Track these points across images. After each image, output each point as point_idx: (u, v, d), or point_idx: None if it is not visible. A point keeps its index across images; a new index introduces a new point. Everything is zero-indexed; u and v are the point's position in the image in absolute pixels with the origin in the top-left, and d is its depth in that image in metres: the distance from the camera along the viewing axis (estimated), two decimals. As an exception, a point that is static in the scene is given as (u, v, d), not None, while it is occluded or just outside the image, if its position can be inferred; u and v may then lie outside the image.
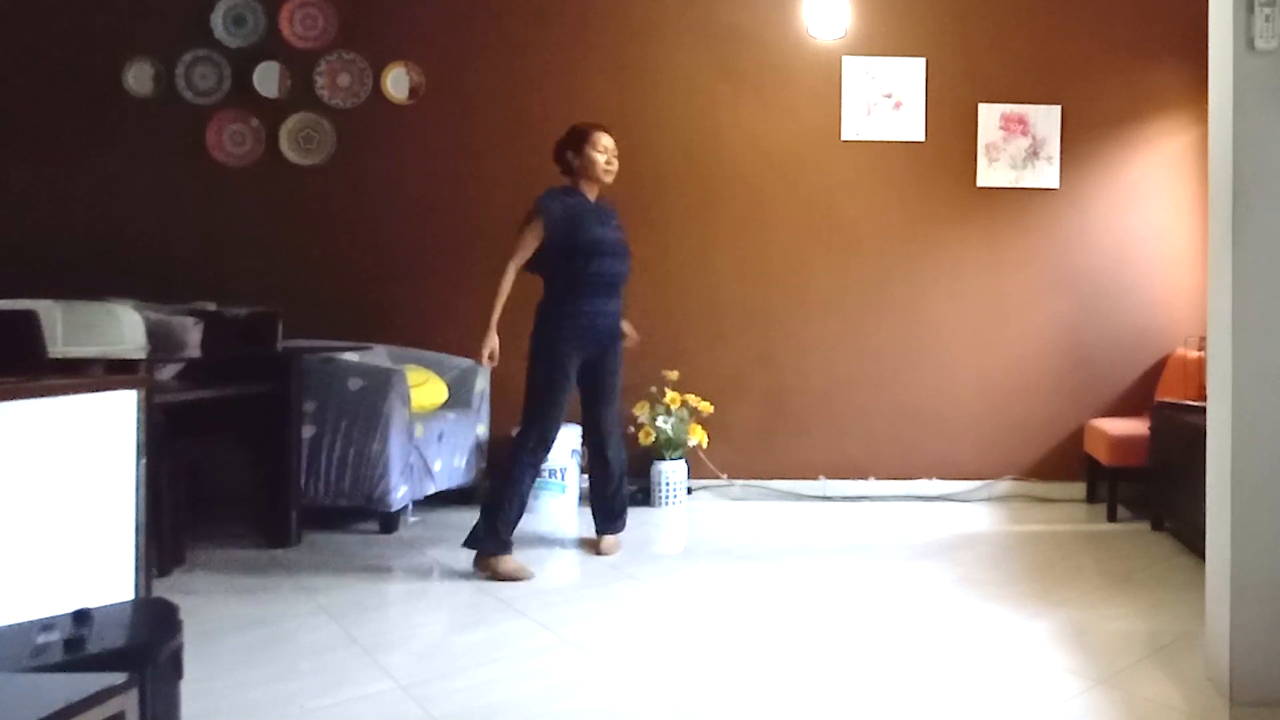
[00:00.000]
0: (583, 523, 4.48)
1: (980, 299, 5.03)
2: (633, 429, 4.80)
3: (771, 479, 5.00)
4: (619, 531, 3.96)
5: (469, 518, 4.47)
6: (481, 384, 4.86)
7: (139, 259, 4.88)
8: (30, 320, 2.77)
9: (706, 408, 4.83)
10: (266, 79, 5.00)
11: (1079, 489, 4.96)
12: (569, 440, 4.66)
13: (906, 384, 5.02)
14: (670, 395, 4.78)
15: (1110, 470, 4.53)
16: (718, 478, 5.01)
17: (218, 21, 5.00)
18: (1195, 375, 4.32)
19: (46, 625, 1.65)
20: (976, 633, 2.98)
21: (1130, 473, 4.45)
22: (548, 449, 3.68)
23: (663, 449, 4.77)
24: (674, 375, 4.84)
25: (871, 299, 5.03)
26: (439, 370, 4.77)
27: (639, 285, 4.99)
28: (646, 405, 4.80)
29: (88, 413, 2.09)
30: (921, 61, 5.00)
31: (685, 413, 4.79)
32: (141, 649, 1.61)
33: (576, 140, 3.79)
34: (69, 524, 2.03)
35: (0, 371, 2.28)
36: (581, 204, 3.77)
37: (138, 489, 2.17)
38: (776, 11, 5.01)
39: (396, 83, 5.03)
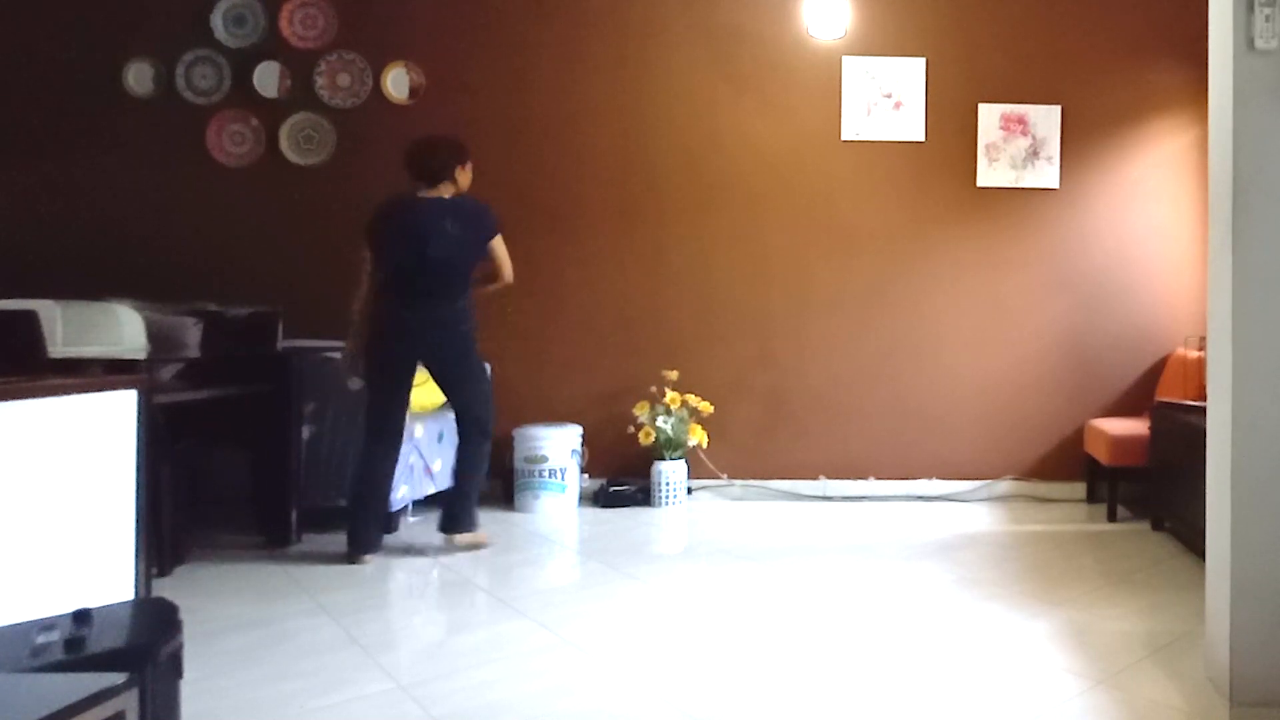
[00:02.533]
0: (582, 522, 4.48)
1: (980, 299, 5.02)
2: (632, 429, 4.81)
3: (771, 479, 5.00)
4: (455, 530, 3.93)
5: (469, 518, 4.49)
6: (481, 384, 4.86)
7: (139, 259, 4.88)
8: (30, 320, 2.77)
9: (706, 408, 4.83)
10: (266, 79, 5.00)
11: (1079, 489, 4.96)
12: (569, 440, 4.67)
13: (906, 384, 5.02)
14: (670, 395, 4.78)
15: (1110, 470, 4.52)
16: (718, 478, 5.01)
17: (218, 21, 5.00)
18: (1195, 375, 4.32)
19: (46, 625, 1.65)
20: (976, 633, 2.98)
21: (1130, 473, 4.45)
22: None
23: (663, 449, 4.77)
24: (674, 375, 4.84)
25: (871, 299, 5.03)
26: (439, 370, 4.76)
27: (640, 285, 5.03)
28: (646, 405, 4.80)
29: (88, 413, 2.09)
30: (921, 61, 5.00)
31: (685, 413, 4.79)
32: (141, 649, 1.61)
33: (465, 158, 3.91)
34: (69, 524, 2.03)
35: (0, 371, 2.28)
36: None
37: (138, 489, 2.17)
38: (776, 11, 5.01)
39: (396, 83, 5.03)
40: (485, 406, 3.92)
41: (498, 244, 3.84)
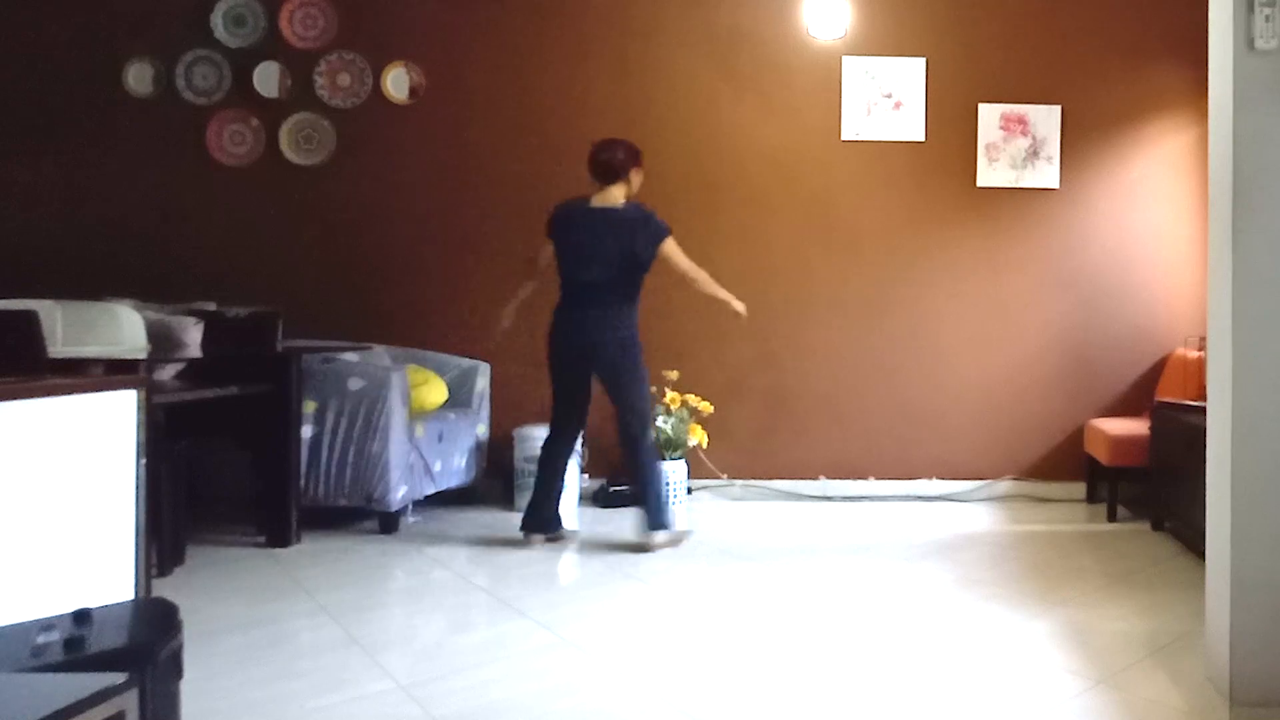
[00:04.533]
0: (583, 521, 4.48)
1: (980, 299, 5.03)
2: (633, 429, 4.80)
3: (771, 479, 5.00)
4: (650, 528, 4.00)
5: (469, 518, 4.52)
6: (481, 384, 4.87)
7: (139, 259, 4.88)
8: (30, 320, 2.77)
9: (706, 408, 4.82)
10: (266, 79, 5.00)
11: (1079, 489, 4.96)
12: (569, 440, 4.67)
13: (907, 384, 5.02)
14: (670, 395, 4.78)
15: (1110, 470, 4.52)
16: (718, 478, 5.00)
17: (218, 21, 5.00)
18: (1195, 375, 4.32)
19: (46, 625, 1.65)
20: (976, 633, 2.98)
21: (1130, 473, 4.45)
22: (549, 437, 4.13)
23: (663, 449, 4.76)
24: (674, 375, 4.83)
25: (872, 299, 5.03)
26: (439, 370, 4.77)
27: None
28: (646, 405, 4.80)
29: (88, 413, 2.09)
30: (921, 61, 5.00)
31: (685, 413, 4.79)
32: (141, 649, 1.61)
33: (639, 160, 4.07)
34: (69, 524, 2.03)
35: (0, 371, 2.28)
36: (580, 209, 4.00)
37: (138, 489, 2.17)
38: (776, 11, 5.01)
39: (396, 83, 5.03)
40: (645, 407, 4.05)
41: (668, 247, 3.96)
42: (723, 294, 4.12)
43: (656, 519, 3.98)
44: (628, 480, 4.12)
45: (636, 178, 4.04)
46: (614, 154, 3.95)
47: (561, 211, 4.01)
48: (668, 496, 4.14)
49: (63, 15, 5.02)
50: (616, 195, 3.97)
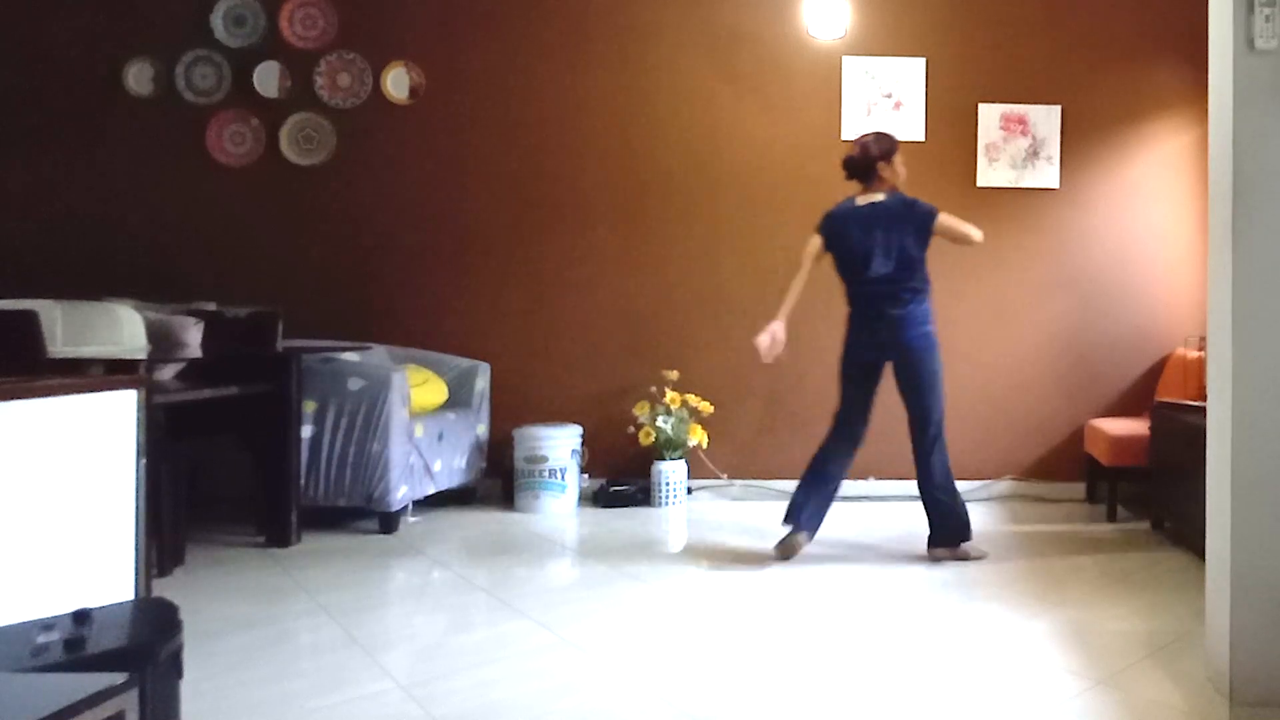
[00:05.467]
0: (582, 522, 4.48)
1: (980, 299, 5.02)
2: (632, 429, 4.81)
3: (771, 479, 5.00)
4: (938, 545, 3.83)
5: (469, 518, 4.52)
6: (481, 384, 4.87)
7: (139, 259, 4.88)
8: (30, 320, 2.77)
9: (706, 408, 4.83)
10: (266, 79, 5.00)
11: (1079, 489, 4.96)
12: (569, 440, 4.67)
13: (906, 384, 5.01)
14: (670, 395, 4.78)
15: (1110, 470, 4.52)
16: (718, 478, 5.00)
17: (218, 21, 5.00)
18: (1195, 375, 4.32)
19: (46, 625, 1.65)
20: (976, 633, 2.98)
21: (1130, 473, 4.44)
22: (830, 438, 3.86)
23: (663, 449, 4.77)
24: (674, 375, 4.84)
25: (871, 299, 5.02)
26: (439, 370, 4.77)
27: (640, 284, 5.03)
28: (646, 405, 4.80)
29: (88, 413, 2.09)
30: (921, 61, 5.00)
31: (685, 413, 4.79)
32: (141, 649, 1.61)
33: (891, 150, 3.88)
34: (69, 524, 2.03)
35: (0, 371, 2.28)
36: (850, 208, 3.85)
37: (138, 489, 2.17)
38: (776, 12, 5.02)
39: (396, 83, 5.03)
40: (941, 415, 3.82)
41: (943, 222, 3.76)
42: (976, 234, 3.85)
43: (965, 533, 3.81)
44: (924, 491, 3.80)
45: (889, 169, 3.85)
46: (857, 152, 3.83)
47: (831, 216, 3.88)
48: (964, 505, 3.85)
49: (63, 15, 5.02)
50: (876, 190, 3.82)
